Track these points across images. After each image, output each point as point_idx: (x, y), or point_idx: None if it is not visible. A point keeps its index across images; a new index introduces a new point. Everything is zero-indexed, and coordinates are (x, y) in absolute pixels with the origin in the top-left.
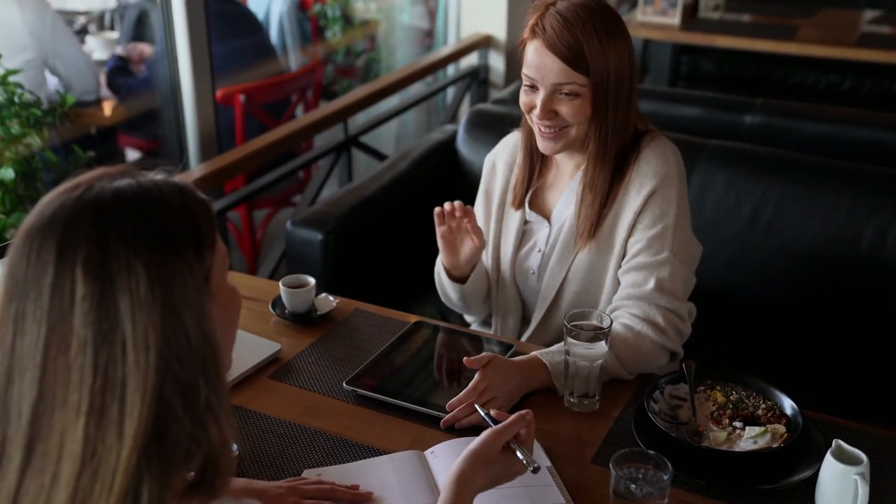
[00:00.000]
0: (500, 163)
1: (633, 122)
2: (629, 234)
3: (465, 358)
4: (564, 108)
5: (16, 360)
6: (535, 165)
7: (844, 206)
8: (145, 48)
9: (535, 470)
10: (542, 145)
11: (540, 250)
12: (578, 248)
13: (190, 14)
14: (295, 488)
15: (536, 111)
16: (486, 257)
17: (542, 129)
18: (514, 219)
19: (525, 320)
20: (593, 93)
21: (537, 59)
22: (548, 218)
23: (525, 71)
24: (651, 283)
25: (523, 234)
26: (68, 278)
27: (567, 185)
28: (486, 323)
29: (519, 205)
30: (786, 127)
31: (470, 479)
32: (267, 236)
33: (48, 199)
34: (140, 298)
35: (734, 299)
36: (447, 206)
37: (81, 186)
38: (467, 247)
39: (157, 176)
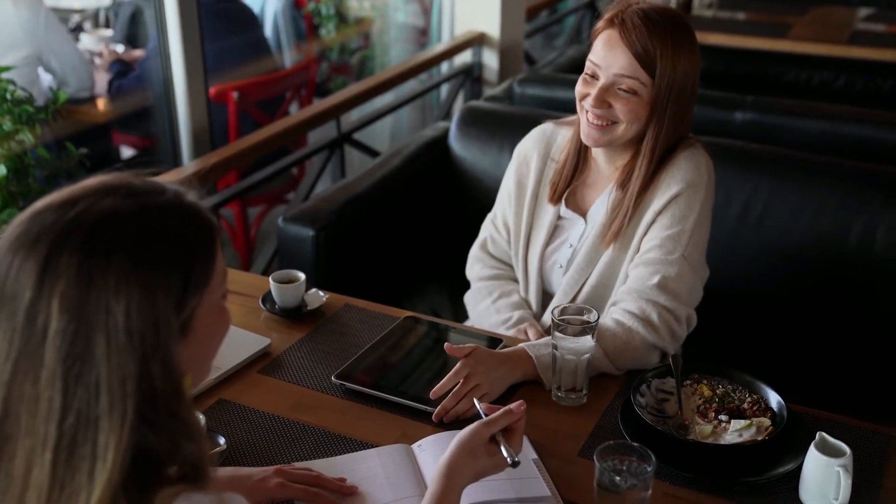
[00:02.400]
0: (533, 154)
1: (681, 134)
2: (646, 232)
3: (446, 344)
4: (619, 104)
5: None
6: (580, 164)
7: (834, 203)
8: (137, 54)
9: (515, 464)
10: (587, 134)
11: (571, 245)
12: (605, 246)
13: (182, 11)
14: (281, 470)
15: (590, 99)
16: (515, 248)
17: (591, 118)
18: (547, 212)
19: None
20: (653, 97)
21: (607, 48)
22: (583, 215)
23: (591, 58)
24: (655, 279)
25: (555, 229)
26: (44, 308)
27: (607, 184)
28: None
29: (557, 200)
30: (776, 124)
31: (457, 471)
32: (261, 233)
33: (40, 210)
34: (118, 343)
35: (724, 295)
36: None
37: (79, 205)
38: None
39: (170, 192)
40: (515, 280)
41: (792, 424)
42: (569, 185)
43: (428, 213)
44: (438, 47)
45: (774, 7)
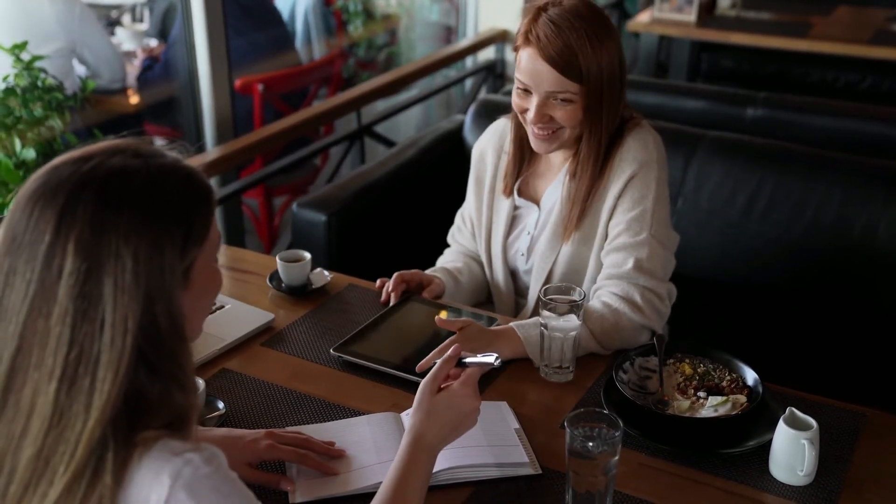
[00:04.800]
0: (488, 150)
1: (620, 116)
2: (610, 218)
3: (436, 317)
4: (559, 113)
5: (2, 310)
6: (526, 155)
7: (837, 197)
8: (160, 46)
9: (498, 359)
10: (536, 145)
11: (529, 233)
12: (566, 235)
13: (208, 4)
14: (272, 433)
15: (530, 115)
16: (479, 241)
17: (537, 130)
18: (504, 205)
19: (520, 296)
20: (586, 98)
21: (531, 67)
22: (537, 203)
23: (518, 76)
24: (630, 263)
25: (513, 220)
26: (60, 251)
27: (556, 172)
28: (488, 303)
29: (509, 192)
30: (787, 120)
31: (422, 436)
32: (284, 223)
33: (57, 165)
34: (124, 284)
35: (728, 286)
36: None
37: (92, 160)
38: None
39: (170, 157)
40: (479, 261)
41: (767, 401)
42: (518, 175)
43: (440, 203)
44: (460, 44)
45: (799, 7)
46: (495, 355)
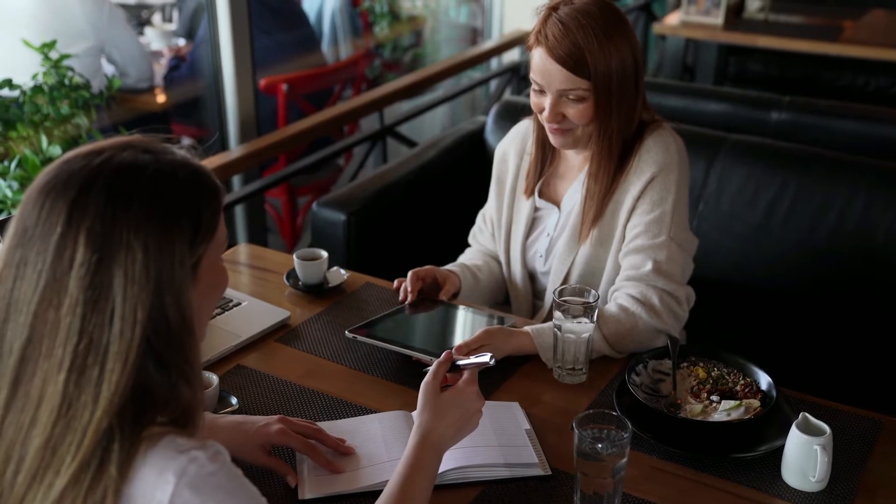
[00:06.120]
0: (510, 152)
1: (637, 115)
2: (628, 219)
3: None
4: (571, 111)
5: (13, 301)
6: (547, 156)
7: (860, 201)
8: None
9: (492, 358)
10: (554, 140)
11: (549, 235)
12: (584, 236)
13: (233, 4)
14: (285, 419)
15: (545, 114)
16: (498, 242)
17: (552, 128)
18: (524, 206)
19: (538, 298)
20: (596, 95)
21: (542, 66)
22: (557, 205)
23: (532, 75)
24: (649, 265)
25: (533, 221)
26: (71, 242)
27: (577, 174)
28: (505, 304)
29: (530, 193)
30: (812, 124)
31: (429, 435)
32: (307, 222)
33: (69, 158)
34: (134, 275)
35: (749, 290)
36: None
37: (103, 154)
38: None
39: (179, 154)
40: (498, 262)
41: (781, 406)
42: (539, 177)
43: (460, 204)
44: (485, 45)
45: (829, 10)
46: (489, 354)
